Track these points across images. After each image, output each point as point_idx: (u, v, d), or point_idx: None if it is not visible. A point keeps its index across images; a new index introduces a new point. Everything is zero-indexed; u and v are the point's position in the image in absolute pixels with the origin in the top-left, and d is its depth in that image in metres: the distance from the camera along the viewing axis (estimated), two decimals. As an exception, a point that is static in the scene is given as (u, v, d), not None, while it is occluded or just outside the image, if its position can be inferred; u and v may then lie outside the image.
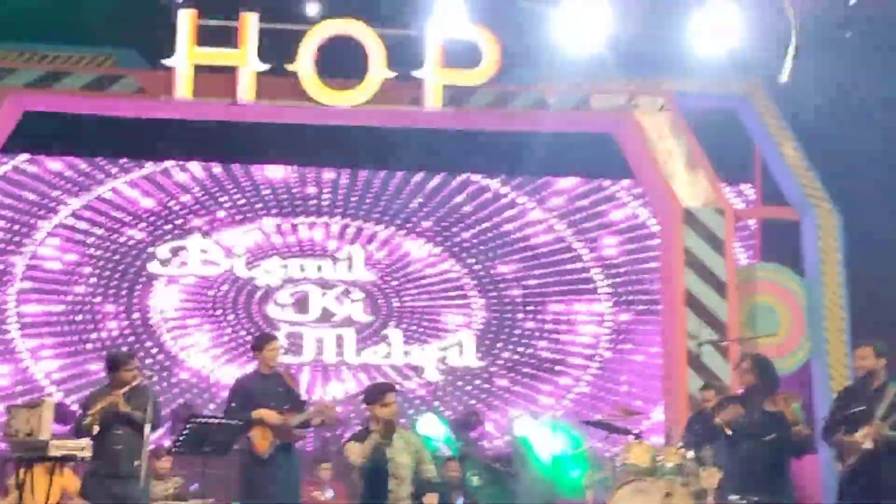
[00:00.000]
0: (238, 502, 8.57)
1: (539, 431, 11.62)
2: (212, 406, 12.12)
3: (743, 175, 12.62)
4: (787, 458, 7.78)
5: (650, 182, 11.96)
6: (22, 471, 7.62)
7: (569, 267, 13.21)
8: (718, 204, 11.70)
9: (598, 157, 12.48)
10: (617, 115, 11.77)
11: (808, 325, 11.62)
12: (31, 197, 12.75)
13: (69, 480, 8.79)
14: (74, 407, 10.36)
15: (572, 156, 12.49)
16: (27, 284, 12.61)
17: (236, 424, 8.45)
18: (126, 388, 8.30)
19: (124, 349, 8.97)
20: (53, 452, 7.44)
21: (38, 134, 11.95)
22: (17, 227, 12.68)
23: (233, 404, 8.54)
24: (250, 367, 9.37)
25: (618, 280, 13.19)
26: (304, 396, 8.62)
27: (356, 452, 7.55)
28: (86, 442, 7.68)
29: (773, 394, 7.84)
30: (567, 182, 13.37)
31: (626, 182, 13.12)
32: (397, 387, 8.95)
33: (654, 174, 11.72)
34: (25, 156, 12.72)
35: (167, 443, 10.33)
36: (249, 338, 12.62)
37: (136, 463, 8.38)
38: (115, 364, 8.46)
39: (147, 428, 8.18)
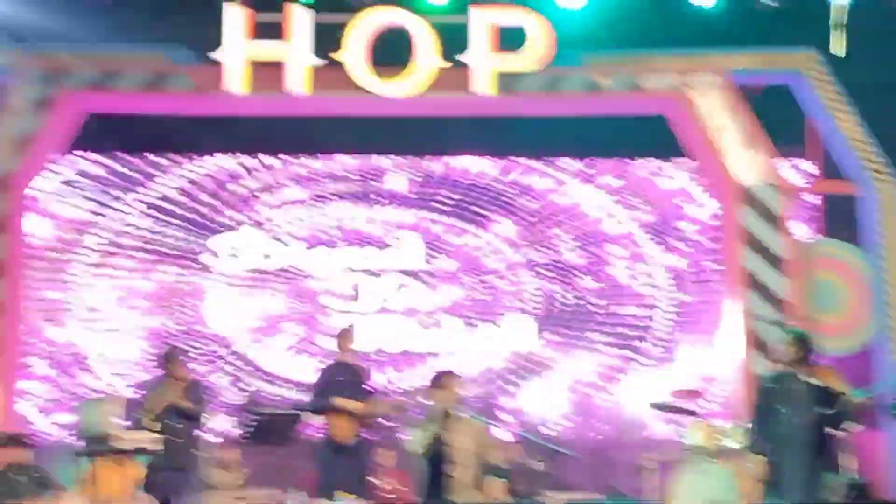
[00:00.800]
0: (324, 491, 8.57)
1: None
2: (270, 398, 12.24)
3: (801, 150, 12.46)
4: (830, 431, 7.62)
5: (706, 161, 11.86)
6: (92, 465, 7.73)
7: (626, 249, 13.14)
8: (776, 180, 11.57)
9: (650, 135, 12.40)
10: (669, 94, 11.68)
11: (872, 301, 11.45)
12: (94, 195, 12.93)
13: (138, 473, 8.92)
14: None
15: (624, 135, 12.41)
16: (92, 281, 12.80)
17: (296, 415, 8.56)
18: (180, 383, 8.47)
19: (177, 345, 9.10)
20: (123, 446, 7.55)
21: (95, 134, 12.14)
22: (83, 225, 12.86)
23: (316, 392, 8.60)
24: (298, 357, 9.44)
25: (676, 261, 13.09)
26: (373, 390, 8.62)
27: (416, 439, 7.58)
28: (155, 435, 7.80)
29: (813, 367, 7.73)
30: (620, 162, 13.26)
31: (681, 161, 12.98)
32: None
33: (709, 153, 11.63)
34: (87, 155, 12.90)
35: (232, 434, 10.47)
36: (303, 328, 12.78)
37: (198, 454, 8.56)
38: (166, 360, 8.68)
39: (203, 420, 8.40)
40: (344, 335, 8.75)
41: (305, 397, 9.54)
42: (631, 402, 11.80)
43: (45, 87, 11.46)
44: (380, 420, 8.50)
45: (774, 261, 11.35)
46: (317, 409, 8.65)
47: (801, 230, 12.50)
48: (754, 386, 10.21)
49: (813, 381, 7.39)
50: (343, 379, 8.56)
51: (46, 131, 11.46)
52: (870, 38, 11.15)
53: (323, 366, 9.31)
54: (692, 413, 10.09)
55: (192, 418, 8.54)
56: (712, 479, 8.75)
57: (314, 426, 10.20)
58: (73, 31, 11.04)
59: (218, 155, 13.09)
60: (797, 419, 7.23)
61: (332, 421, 8.45)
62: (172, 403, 8.42)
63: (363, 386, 8.54)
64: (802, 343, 7.68)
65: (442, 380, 7.79)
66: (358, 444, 8.36)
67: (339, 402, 8.39)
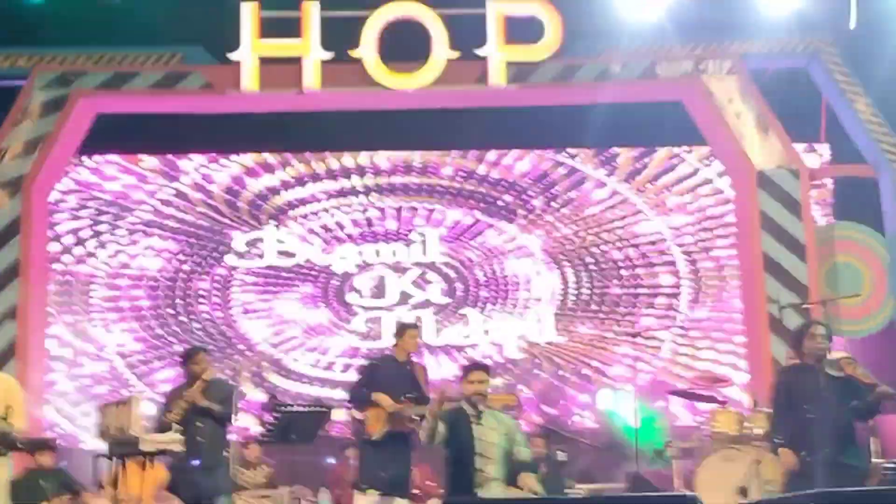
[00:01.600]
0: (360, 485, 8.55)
1: (621, 404, 11.59)
2: (293, 395, 12.27)
3: (816, 134, 12.40)
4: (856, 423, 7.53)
5: (722, 147, 11.81)
6: (115, 466, 7.77)
7: (644, 236, 13.08)
8: (792, 165, 11.52)
9: (665, 123, 12.36)
10: (684, 81, 11.64)
11: (892, 283, 11.41)
12: (109, 196, 12.95)
13: (161, 474, 8.96)
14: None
15: (639, 123, 12.38)
16: (110, 282, 12.83)
17: (321, 412, 8.54)
18: (201, 382, 8.48)
19: (202, 344, 9.13)
20: (145, 447, 7.58)
21: (111, 134, 12.17)
22: (99, 226, 12.89)
23: (359, 382, 8.57)
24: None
25: (694, 247, 13.04)
26: (426, 394, 8.55)
27: (422, 430, 7.53)
28: (177, 436, 7.82)
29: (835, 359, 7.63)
30: (635, 150, 13.21)
31: (697, 147, 12.93)
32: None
33: (725, 138, 11.58)
34: (100, 156, 12.92)
35: (255, 432, 10.49)
36: (329, 324, 12.79)
37: (222, 453, 8.57)
38: (186, 359, 8.69)
39: (230, 420, 8.40)
40: (405, 330, 8.68)
41: (328, 394, 9.51)
42: (654, 391, 11.76)
43: (58, 88, 11.50)
44: (413, 420, 8.43)
45: (793, 244, 11.30)
46: (354, 401, 8.58)
47: (818, 213, 12.44)
48: (775, 376, 10.20)
49: (837, 373, 7.31)
50: (387, 373, 8.50)
51: (60, 133, 11.49)
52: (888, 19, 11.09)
53: (367, 362, 9.27)
54: (715, 400, 10.05)
55: (217, 418, 8.52)
56: (737, 465, 8.73)
57: (341, 424, 10.19)
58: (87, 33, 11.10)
59: (239, 154, 13.09)
60: (823, 413, 7.16)
61: (365, 414, 8.42)
62: (195, 403, 8.41)
63: (410, 386, 8.44)
64: (831, 336, 7.58)
65: (468, 371, 7.70)
66: (387, 442, 8.31)
67: (375, 395, 8.34)
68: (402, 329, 8.70)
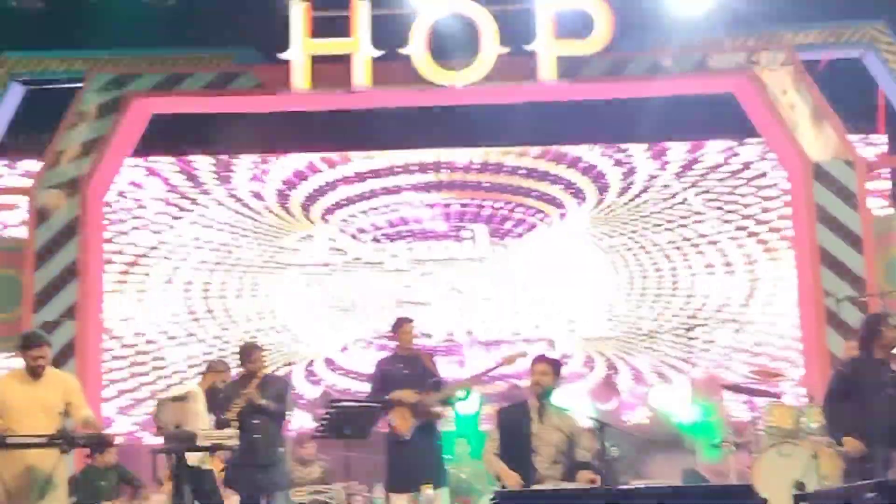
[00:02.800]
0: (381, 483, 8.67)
1: (675, 399, 11.52)
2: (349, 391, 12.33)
3: (873, 125, 12.23)
4: None
5: (776, 139, 11.69)
6: (174, 463, 7.84)
7: (698, 228, 12.99)
8: (848, 156, 11.38)
9: (718, 116, 12.27)
10: (737, 73, 11.53)
11: (951, 274, 11.24)
12: (164, 197, 13.11)
13: (218, 469, 9.05)
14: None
15: (692, 117, 12.30)
16: (164, 283, 12.98)
17: (375, 407, 8.57)
18: (257, 380, 8.56)
19: (254, 340, 9.23)
20: (202, 443, 7.65)
21: (166, 135, 12.32)
22: (152, 227, 13.05)
23: (373, 387, 8.65)
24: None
25: (749, 240, 12.92)
26: (441, 377, 8.62)
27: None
28: (233, 431, 7.89)
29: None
30: (688, 144, 13.12)
31: (751, 140, 12.81)
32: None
33: (779, 131, 11.46)
34: (156, 157, 13.09)
35: (310, 428, 10.54)
36: (381, 323, 12.84)
37: (279, 450, 8.65)
38: (243, 356, 8.78)
39: (285, 417, 8.49)
40: (397, 327, 8.74)
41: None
42: (709, 386, 11.66)
43: (113, 90, 11.65)
44: (440, 409, 8.47)
45: (849, 237, 11.16)
46: (372, 402, 8.65)
47: (876, 204, 12.28)
48: (832, 369, 10.08)
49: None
50: (397, 371, 8.56)
51: (115, 134, 11.64)
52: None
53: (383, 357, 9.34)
54: (771, 394, 9.96)
55: (272, 414, 8.62)
56: (793, 460, 8.64)
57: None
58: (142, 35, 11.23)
59: (290, 153, 13.18)
60: (886, 407, 7.06)
61: (390, 414, 8.48)
62: (250, 400, 8.51)
63: (424, 376, 8.50)
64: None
65: (535, 365, 7.57)
66: (417, 436, 8.35)
67: (394, 394, 8.40)
68: (397, 325, 8.75)
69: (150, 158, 13.05)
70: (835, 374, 7.63)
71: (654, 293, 12.93)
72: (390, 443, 8.58)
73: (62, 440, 7.36)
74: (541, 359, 7.66)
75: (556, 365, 7.63)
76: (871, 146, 12.55)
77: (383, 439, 8.67)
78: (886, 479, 6.17)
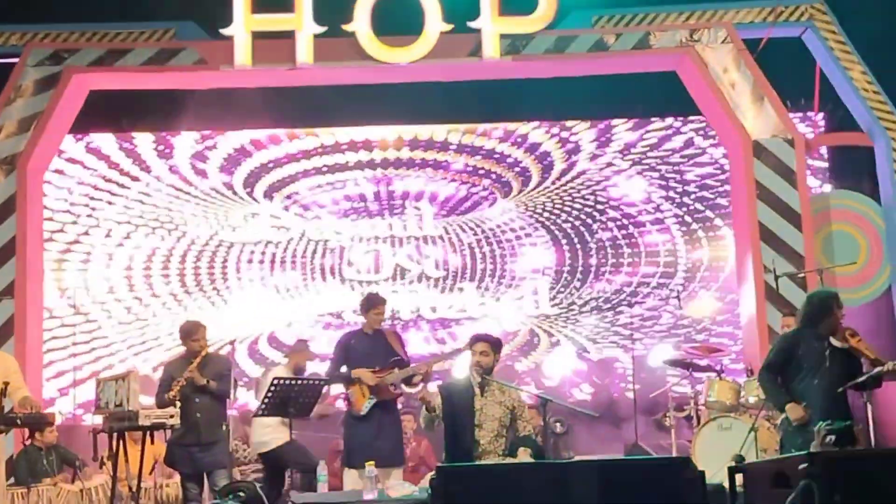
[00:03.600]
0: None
1: (621, 373, 11.62)
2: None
3: (811, 103, 12.38)
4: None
5: (717, 117, 11.80)
6: (114, 441, 7.80)
7: (640, 208, 13.10)
8: (787, 134, 11.51)
9: (660, 94, 12.36)
10: (679, 51, 11.61)
11: (888, 251, 11.42)
12: (104, 173, 12.96)
13: (159, 449, 9.00)
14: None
15: (634, 95, 12.38)
16: (105, 259, 12.85)
17: (316, 384, 8.58)
18: (199, 359, 8.52)
19: (196, 319, 9.19)
20: (143, 422, 7.61)
21: (103, 111, 12.16)
22: (91, 204, 12.91)
23: (335, 362, 8.63)
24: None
25: (690, 217, 13.05)
26: (404, 356, 8.61)
27: (422, 418, 7.63)
28: (174, 410, 7.86)
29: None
30: (630, 122, 13.20)
31: (692, 118, 12.92)
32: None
33: (720, 109, 11.56)
34: (93, 134, 12.93)
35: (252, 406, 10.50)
36: (326, 300, 12.82)
37: (221, 429, 8.63)
38: (185, 335, 8.73)
39: (228, 396, 8.50)
40: (371, 305, 8.71)
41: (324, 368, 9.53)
42: (649, 361, 11.79)
43: (51, 65, 11.47)
44: (398, 387, 8.49)
45: (788, 213, 11.30)
46: (333, 380, 8.68)
47: (814, 182, 12.45)
48: (775, 341, 10.21)
49: (841, 344, 7.30)
50: (361, 347, 8.55)
51: (53, 110, 11.46)
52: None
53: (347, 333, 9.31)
54: (711, 369, 10.09)
55: (214, 393, 8.59)
56: (733, 433, 8.77)
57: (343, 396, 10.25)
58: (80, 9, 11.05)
59: (232, 130, 13.08)
60: (821, 381, 7.18)
61: (349, 389, 8.49)
62: (191, 379, 8.46)
63: (387, 354, 8.50)
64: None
65: (475, 344, 7.65)
66: (373, 413, 8.37)
67: (354, 371, 8.41)
68: (371, 304, 8.73)
69: (91, 135, 12.90)
70: (775, 346, 7.73)
71: (597, 270, 13.02)
72: (347, 419, 8.59)
73: (0, 420, 7.29)
74: (480, 337, 7.74)
75: (496, 343, 7.72)
76: (811, 125, 12.70)
77: (344, 415, 8.68)
78: (819, 450, 6.28)
